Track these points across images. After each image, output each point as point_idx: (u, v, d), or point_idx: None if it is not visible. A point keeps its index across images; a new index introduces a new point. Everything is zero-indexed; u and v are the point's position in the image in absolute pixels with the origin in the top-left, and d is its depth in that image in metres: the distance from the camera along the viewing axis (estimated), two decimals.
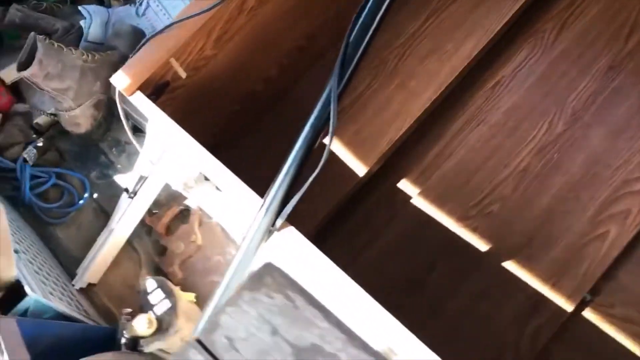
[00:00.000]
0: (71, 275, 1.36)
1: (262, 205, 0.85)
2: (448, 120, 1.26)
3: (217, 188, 1.39)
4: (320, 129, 0.83)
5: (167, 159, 1.26)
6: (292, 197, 0.84)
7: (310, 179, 0.81)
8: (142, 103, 1.05)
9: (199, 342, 0.44)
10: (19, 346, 0.92)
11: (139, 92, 1.05)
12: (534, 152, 1.23)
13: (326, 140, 0.80)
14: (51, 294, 1.12)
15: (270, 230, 0.86)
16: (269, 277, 0.44)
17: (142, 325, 1.05)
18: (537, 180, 1.21)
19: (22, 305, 1.01)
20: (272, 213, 0.85)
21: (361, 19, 0.83)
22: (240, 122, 1.37)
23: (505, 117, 1.27)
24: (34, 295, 1.01)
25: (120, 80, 1.05)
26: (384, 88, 1.29)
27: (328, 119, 0.82)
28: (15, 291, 1.05)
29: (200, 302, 1.25)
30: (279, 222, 0.85)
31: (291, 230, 0.86)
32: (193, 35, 1.06)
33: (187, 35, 1.06)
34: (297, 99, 1.36)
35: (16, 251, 1.10)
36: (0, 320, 0.93)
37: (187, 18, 1.05)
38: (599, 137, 1.23)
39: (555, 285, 1.14)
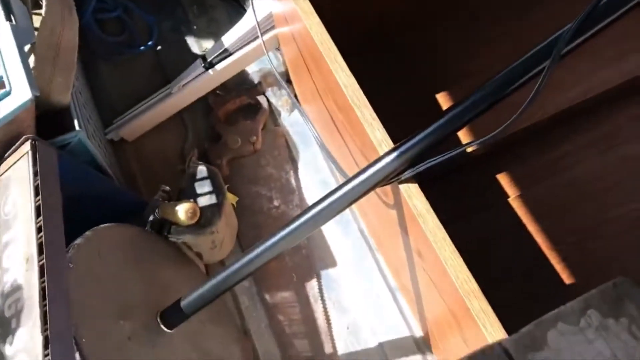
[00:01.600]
0: (104, 123, 1.20)
1: (398, 147, 0.71)
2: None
3: (295, 97, 1.24)
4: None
5: (264, 42, 1.10)
6: (436, 153, 0.70)
7: (475, 143, 0.67)
8: None
9: (506, 352, 0.30)
10: (54, 180, 0.79)
11: None
12: None
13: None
14: (93, 136, 0.97)
15: (391, 178, 0.72)
16: (633, 305, 0.31)
17: (184, 213, 0.91)
18: None
19: (65, 138, 0.86)
20: (404, 160, 0.71)
21: None
22: (374, 34, 1.19)
23: None
24: (81, 133, 0.87)
25: None
26: None
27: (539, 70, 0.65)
28: (60, 119, 0.90)
29: (239, 209, 1.11)
30: (408, 174, 0.72)
31: (414, 188, 0.72)
32: None
33: None
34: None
35: None
36: (42, 146, 0.79)
37: None
38: None
39: None
